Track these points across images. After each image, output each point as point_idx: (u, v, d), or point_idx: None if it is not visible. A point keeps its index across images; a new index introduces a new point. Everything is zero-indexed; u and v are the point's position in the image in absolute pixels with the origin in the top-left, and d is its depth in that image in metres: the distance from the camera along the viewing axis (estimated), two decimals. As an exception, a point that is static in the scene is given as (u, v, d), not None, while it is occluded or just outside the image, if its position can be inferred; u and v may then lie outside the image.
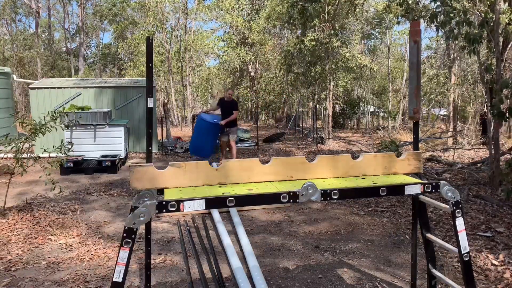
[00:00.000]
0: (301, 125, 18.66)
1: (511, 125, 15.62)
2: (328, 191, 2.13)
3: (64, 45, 32.21)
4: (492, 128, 6.34)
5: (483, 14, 5.81)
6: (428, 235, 2.74)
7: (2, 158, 8.91)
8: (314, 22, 12.82)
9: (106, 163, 8.08)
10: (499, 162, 6.06)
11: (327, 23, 13.05)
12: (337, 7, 13.42)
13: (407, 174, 2.60)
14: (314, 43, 13.17)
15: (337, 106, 21.75)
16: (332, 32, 13.17)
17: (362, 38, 24.20)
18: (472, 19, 6.34)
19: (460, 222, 2.33)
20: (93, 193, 6.36)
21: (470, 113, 15.52)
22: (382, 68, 24.56)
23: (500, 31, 5.81)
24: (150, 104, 2.37)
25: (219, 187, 2.25)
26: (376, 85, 25.74)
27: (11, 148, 5.18)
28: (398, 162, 2.58)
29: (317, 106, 16.01)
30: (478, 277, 3.27)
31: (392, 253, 3.89)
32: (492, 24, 5.68)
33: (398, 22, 8.95)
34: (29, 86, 11.19)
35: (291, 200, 2.09)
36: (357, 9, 13.83)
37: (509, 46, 6.35)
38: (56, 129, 5.39)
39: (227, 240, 3.95)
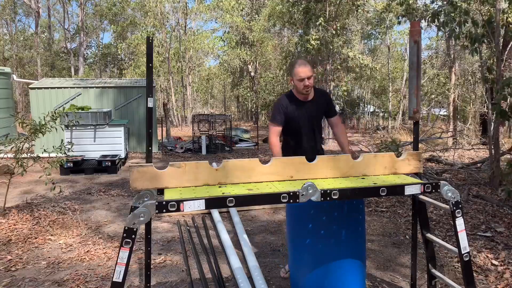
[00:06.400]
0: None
1: (511, 125, 15.61)
2: (328, 191, 2.13)
3: (64, 45, 32.17)
4: (492, 128, 6.34)
5: (487, 15, 5.81)
6: (428, 235, 2.73)
7: (2, 158, 8.90)
8: (320, 21, 12.76)
9: (106, 163, 8.08)
10: (499, 162, 6.06)
11: (331, 22, 13.03)
12: (338, 7, 13.42)
13: (407, 174, 2.59)
14: (319, 42, 13.13)
15: (337, 106, 21.72)
16: (335, 32, 13.16)
17: (362, 38, 24.19)
18: (476, 18, 6.34)
19: (460, 222, 2.33)
20: (93, 193, 6.36)
21: (470, 113, 15.51)
22: (382, 68, 24.54)
23: (501, 31, 5.81)
24: (150, 104, 2.37)
25: (219, 187, 2.25)
26: (376, 85, 25.72)
27: (11, 148, 5.18)
28: (398, 162, 2.58)
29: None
30: (478, 277, 3.27)
31: (392, 253, 3.89)
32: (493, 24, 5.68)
33: (399, 22, 8.94)
34: (29, 86, 11.19)
35: (291, 200, 2.08)
36: (359, 10, 13.81)
37: (509, 46, 6.36)
38: (56, 129, 5.39)
39: (227, 240, 3.95)
